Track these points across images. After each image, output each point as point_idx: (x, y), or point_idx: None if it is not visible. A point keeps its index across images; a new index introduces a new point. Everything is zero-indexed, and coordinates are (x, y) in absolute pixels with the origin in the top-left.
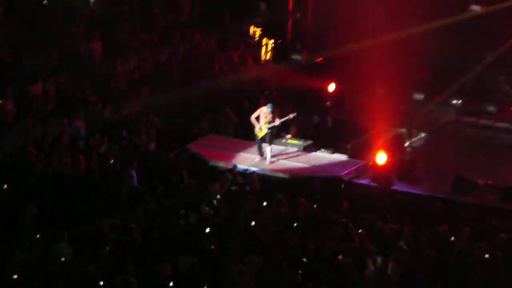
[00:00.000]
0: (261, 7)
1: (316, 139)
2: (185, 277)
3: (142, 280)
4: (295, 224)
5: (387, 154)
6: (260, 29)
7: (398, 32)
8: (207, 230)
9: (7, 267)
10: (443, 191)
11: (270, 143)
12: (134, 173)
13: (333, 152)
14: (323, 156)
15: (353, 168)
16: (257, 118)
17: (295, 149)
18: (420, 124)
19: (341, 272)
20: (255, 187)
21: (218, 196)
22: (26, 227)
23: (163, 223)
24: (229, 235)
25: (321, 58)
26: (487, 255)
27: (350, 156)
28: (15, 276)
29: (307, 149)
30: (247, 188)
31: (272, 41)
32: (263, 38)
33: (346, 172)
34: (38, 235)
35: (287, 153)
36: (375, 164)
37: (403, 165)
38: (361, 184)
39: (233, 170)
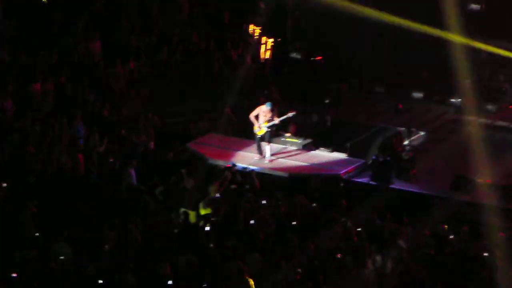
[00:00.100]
0: (260, 6)
1: (315, 138)
2: (184, 276)
3: (142, 279)
4: (294, 223)
5: None
6: (259, 28)
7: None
8: (207, 228)
9: (6, 266)
10: (443, 190)
11: (269, 141)
12: (133, 172)
13: (332, 151)
14: (322, 155)
15: (352, 166)
16: (256, 117)
17: (294, 147)
18: (419, 122)
19: (341, 272)
20: (254, 186)
21: (217, 195)
22: (26, 227)
23: (163, 222)
24: (229, 234)
25: (321, 57)
26: (486, 254)
27: (350, 155)
28: (14, 275)
29: (306, 148)
30: (246, 186)
31: (272, 39)
32: (263, 36)
33: (345, 170)
34: (38, 235)
35: (286, 152)
36: None
37: (402, 164)
38: (360, 182)
39: (232, 169)
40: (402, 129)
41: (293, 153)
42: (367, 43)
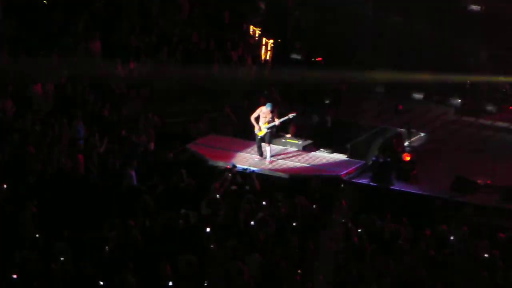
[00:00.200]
0: (260, 6)
1: (316, 139)
2: (184, 277)
3: (142, 279)
4: (294, 224)
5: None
6: (259, 28)
7: None
8: (207, 229)
9: (7, 267)
10: (443, 191)
11: (270, 142)
12: (133, 173)
13: (333, 152)
14: (323, 156)
15: (353, 167)
16: (257, 118)
17: (294, 148)
18: (419, 123)
19: (341, 272)
20: (255, 187)
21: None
22: (26, 227)
23: (163, 223)
24: (229, 235)
25: (321, 58)
26: (486, 255)
27: (350, 156)
28: (15, 276)
29: (306, 149)
30: (247, 187)
31: (272, 40)
32: (263, 37)
33: (345, 171)
34: (38, 235)
35: (286, 153)
36: None
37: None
38: (360, 183)
39: (232, 170)
40: (402, 130)
41: (293, 154)
42: (367, 43)
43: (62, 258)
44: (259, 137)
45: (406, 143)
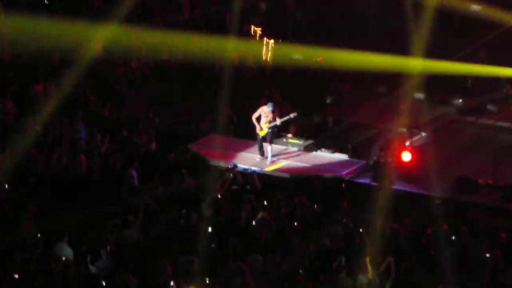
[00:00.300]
0: (261, 6)
1: (317, 139)
2: (184, 277)
3: (142, 279)
4: (296, 224)
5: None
6: (260, 28)
7: None
8: (208, 229)
9: (7, 267)
10: (444, 191)
11: (271, 142)
12: (134, 173)
13: (334, 152)
14: (324, 156)
15: (354, 167)
16: (258, 118)
17: (296, 148)
18: (420, 123)
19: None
20: (256, 187)
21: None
22: (27, 228)
23: (164, 223)
24: (230, 235)
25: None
26: (487, 255)
27: (351, 156)
28: (16, 276)
29: (308, 149)
30: (248, 187)
31: (273, 40)
32: (263, 37)
33: (347, 171)
34: (38, 235)
35: (288, 153)
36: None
37: (404, 165)
38: (361, 183)
39: (233, 170)
40: (404, 129)
41: (294, 154)
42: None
43: (62, 259)
44: (260, 137)
45: (407, 143)
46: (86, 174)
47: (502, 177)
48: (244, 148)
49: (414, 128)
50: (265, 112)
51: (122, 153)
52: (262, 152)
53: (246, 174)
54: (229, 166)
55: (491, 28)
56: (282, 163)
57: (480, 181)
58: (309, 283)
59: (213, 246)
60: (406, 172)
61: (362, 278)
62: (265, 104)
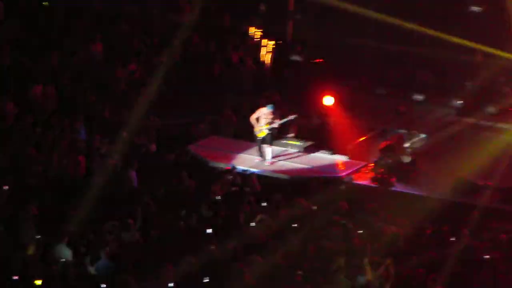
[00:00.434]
0: (261, 8)
1: (316, 140)
2: (185, 278)
3: (142, 281)
4: (295, 225)
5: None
6: (260, 30)
7: None
8: (208, 231)
9: (7, 268)
10: (443, 192)
11: (270, 144)
12: (134, 174)
13: (334, 153)
14: (323, 157)
15: (354, 169)
16: (257, 119)
17: (295, 150)
18: (420, 125)
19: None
20: (255, 188)
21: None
22: (26, 228)
23: (163, 224)
24: (229, 236)
25: (321, 60)
26: (487, 256)
27: (351, 157)
28: (15, 277)
29: (307, 150)
30: (247, 189)
31: (273, 42)
32: (263, 39)
33: (346, 173)
34: (38, 236)
35: (287, 154)
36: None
37: (403, 166)
38: (361, 185)
39: (232, 171)
40: (403, 131)
41: (294, 155)
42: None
43: (62, 260)
44: (259, 138)
45: (407, 145)
46: (85, 175)
47: (502, 179)
48: (243, 149)
49: (413, 130)
50: (264, 114)
51: (122, 154)
52: (261, 154)
53: (245, 176)
54: (228, 168)
55: None
56: (282, 164)
57: (479, 182)
58: (308, 284)
59: (212, 247)
60: (406, 173)
61: (361, 280)
62: (265, 105)
